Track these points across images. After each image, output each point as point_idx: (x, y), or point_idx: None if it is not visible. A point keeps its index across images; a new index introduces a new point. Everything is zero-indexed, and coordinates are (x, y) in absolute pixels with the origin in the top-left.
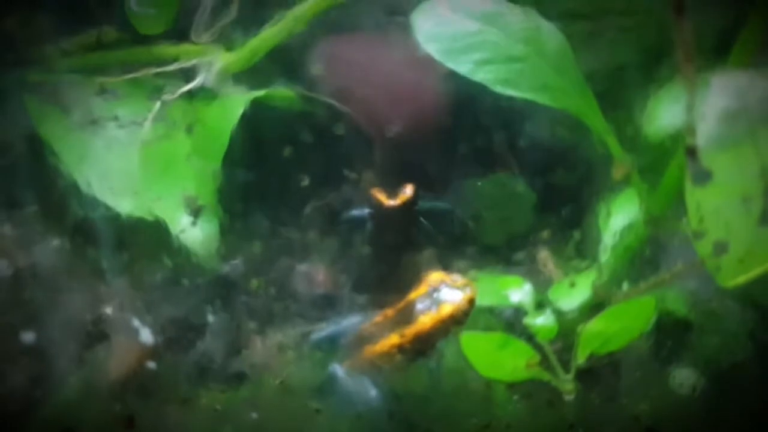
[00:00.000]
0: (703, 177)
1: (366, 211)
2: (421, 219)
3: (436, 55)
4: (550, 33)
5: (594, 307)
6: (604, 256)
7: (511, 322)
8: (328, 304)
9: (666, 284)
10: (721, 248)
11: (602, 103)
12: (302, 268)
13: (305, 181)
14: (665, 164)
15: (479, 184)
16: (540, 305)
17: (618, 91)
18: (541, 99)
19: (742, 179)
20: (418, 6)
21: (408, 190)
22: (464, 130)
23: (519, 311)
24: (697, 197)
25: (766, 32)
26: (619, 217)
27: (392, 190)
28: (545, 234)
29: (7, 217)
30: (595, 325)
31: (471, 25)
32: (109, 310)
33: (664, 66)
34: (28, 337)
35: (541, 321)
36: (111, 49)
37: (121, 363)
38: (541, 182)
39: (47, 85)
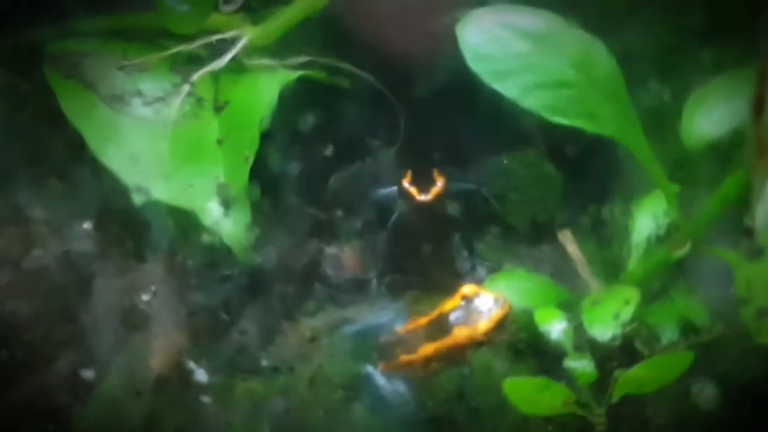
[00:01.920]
0: (758, 254)
1: (394, 189)
2: (449, 209)
3: (483, 77)
4: (600, 56)
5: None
6: (632, 263)
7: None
8: (357, 289)
9: (703, 343)
10: (764, 314)
11: (637, 87)
12: (331, 251)
13: (331, 155)
14: (701, 176)
15: (505, 162)
16: (579, 345)
17: (656, 75)
18: (589, 127)
19: None
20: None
21: (439, 183)
22: (491, 104)
23: None
24: (747, 271)
25: None
26: (647, 219)
27: (420, 175)
28: (571, 218)
29: (38, 201)
30: (632, 373)
31: (521, 46)
32: (144, 298)
33: (706, 50)
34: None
35: (581, 366)
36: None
37: (161, 353)
38: (571, 164)
39: (68, 56)
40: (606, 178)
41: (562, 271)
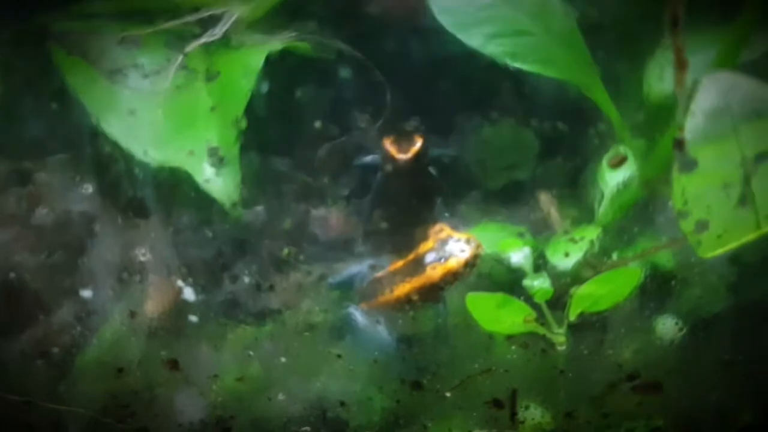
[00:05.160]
0: (689, 166)
1: (377, 157)
2: (430, 169)
3: (449, 27)
4: (555, 8)
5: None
6: (601, 209)
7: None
8: (343, 245)
9: (650, 255)
10: (702, 226)
11: (604, 54)
12: (319, 212)
13: (319, 124)
14: (662, 128)
15: (484, 129)
16: (537, 268)
17: (621, 42)
18: (547, 72)
19: (723, 168)
20: None
21: (418, 143)
22: (471, 75)
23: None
24: (682, 183)
25: (751, 34)
26: (617, 172)
27: (402, 137)
28: (547, 180)
29: (43, 166)
30: (585, 289)
31: None
32: (142, 252)
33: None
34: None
35: (539, 283)
36: None
37: (157, 301)
38: (544, 129)
39: (71, 35)
40: (581, 140)
41: (538, 228)
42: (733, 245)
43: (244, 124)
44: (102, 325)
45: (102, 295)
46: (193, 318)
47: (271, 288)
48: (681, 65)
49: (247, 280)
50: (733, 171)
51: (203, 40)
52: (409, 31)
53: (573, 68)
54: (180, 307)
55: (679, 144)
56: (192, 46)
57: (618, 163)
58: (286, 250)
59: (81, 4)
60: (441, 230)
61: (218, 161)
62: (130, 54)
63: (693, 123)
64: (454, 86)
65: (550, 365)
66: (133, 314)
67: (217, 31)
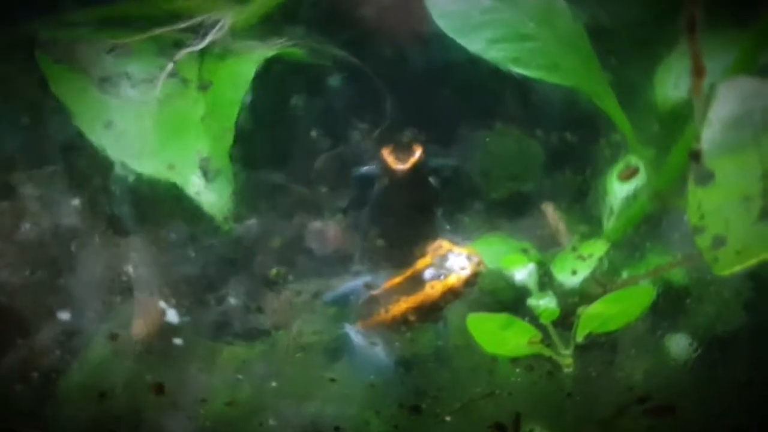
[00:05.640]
0: (706, 178)
1: (375, 168)
2: (430, 180)
3: (448, 32)
4: (562, 12)
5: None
6: (610, 223)
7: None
8: (339, 261)
9: (663, 272)
10: (719, 242)
11: (614, 59)
12: (314, 225)
13: (315, 134)
14: (675, 137)
15: (487, 140)
16: (543, 286)
17: (629, 49)
18: (552, 78)
19: (743, 181)
20: None
21: (417, 153)
22: (474, 83)
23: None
24: (698, 196)
25: None
26: (626, 184)
27: (401, 147)
28: (553, 191)
29: (26, 179)
30: (594, 309)
31: (483, 2)
32: (128, 270)
33: (677, 24)
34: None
35: (544, 303)
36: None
37: (143, 321)
38: (551, 139)
39: (59, 42)
40: (589, 150)
41: (544, 242)
42: (752, 262)
43: (236, 134)
44: (84, 348)
45: (86, 316)
46: (178, 341)
47: (259, 309)
48: (698, 71)
49: (236, 299)
50: (753, 183)
51: (189, 48)
52: (408, 37)
53: (580, 74)
54: (165, 329)
55: (696, 155)
56: (180, 55)
57: (630, 175)
58: (274, 270)
59: (68, 12)
60: (440, 247)
61: (209, 173)
62: (118, 62)
63: (710, 133)
64: (455, 93)
65: (557, 388)
66: (114, 336)
67: (201, 40)
